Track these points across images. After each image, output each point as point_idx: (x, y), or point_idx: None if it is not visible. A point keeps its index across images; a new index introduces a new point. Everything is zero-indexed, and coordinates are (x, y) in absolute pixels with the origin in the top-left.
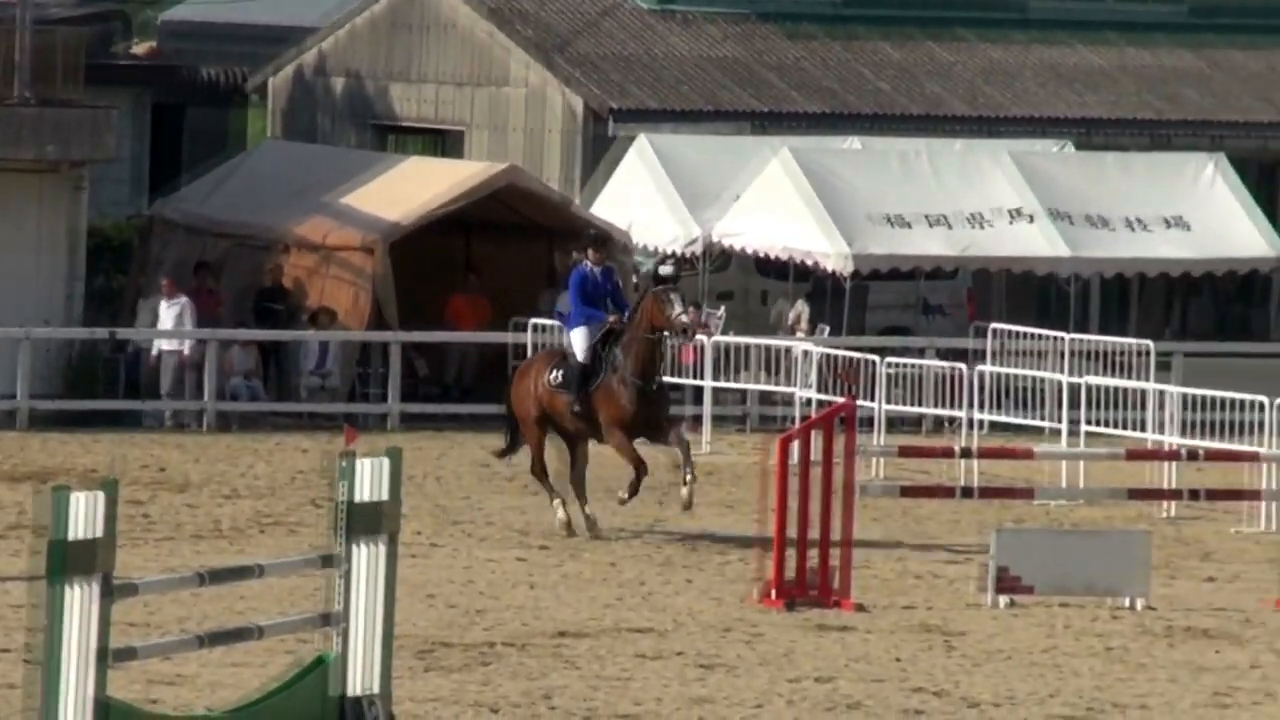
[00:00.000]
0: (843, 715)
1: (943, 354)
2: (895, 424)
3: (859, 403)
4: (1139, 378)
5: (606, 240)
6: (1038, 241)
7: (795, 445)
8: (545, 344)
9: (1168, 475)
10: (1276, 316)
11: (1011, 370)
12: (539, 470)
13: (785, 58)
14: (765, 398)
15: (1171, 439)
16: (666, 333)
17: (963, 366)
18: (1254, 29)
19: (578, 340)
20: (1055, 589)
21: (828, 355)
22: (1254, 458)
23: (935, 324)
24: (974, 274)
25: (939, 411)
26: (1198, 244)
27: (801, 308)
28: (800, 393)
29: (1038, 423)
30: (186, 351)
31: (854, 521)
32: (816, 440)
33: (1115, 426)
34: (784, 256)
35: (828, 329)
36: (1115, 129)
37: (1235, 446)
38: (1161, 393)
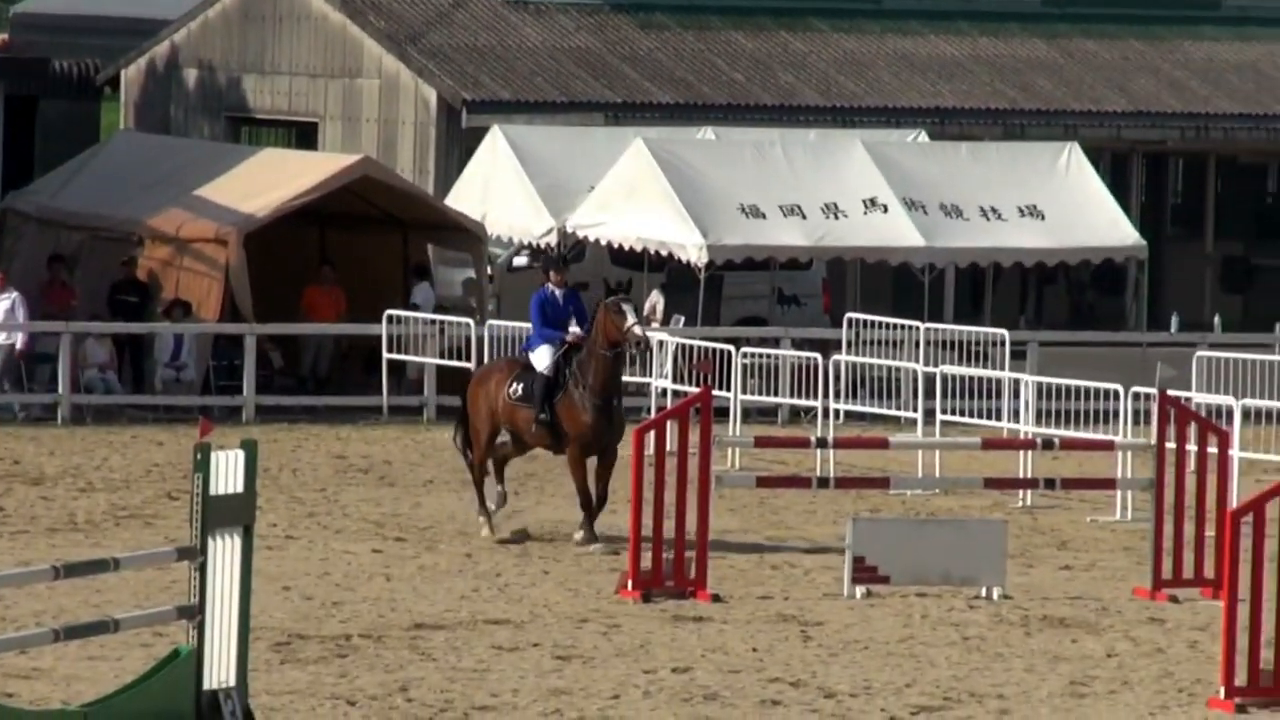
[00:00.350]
0: (699, 705)
1: (799, 344)
2: (751, 414)
3: (715, 393)
4: (994, 367)
5: (568, 262)
6: (893, 231)
7: (651, 436)
8: (402, 336)
9: (1024, 464)
10: (1131, 305)
11: (867, 360)
12: (478, 478)
13: (638, 48)
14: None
15: (1027, 428)
16: (623, 345)
17: (818, 356)
18: (1106, 18)
19: (540, 356)
20: (912, 578)
21: (683, 346)
22: (1109, 446)
23: (791, 314)
24: (829, 264)
25: (795, 402)
26: (1052, 233)
27: (657, 298)
28: (656, 383)
29: (894, 412)
30: (19, 345)
31: (710, 512)
32: (672, 431)
33: (971, 416)
34: (639, 247)
35: (683, 319)
36: (969, 118)
37: (1091, 435)
38: (1017, 382)
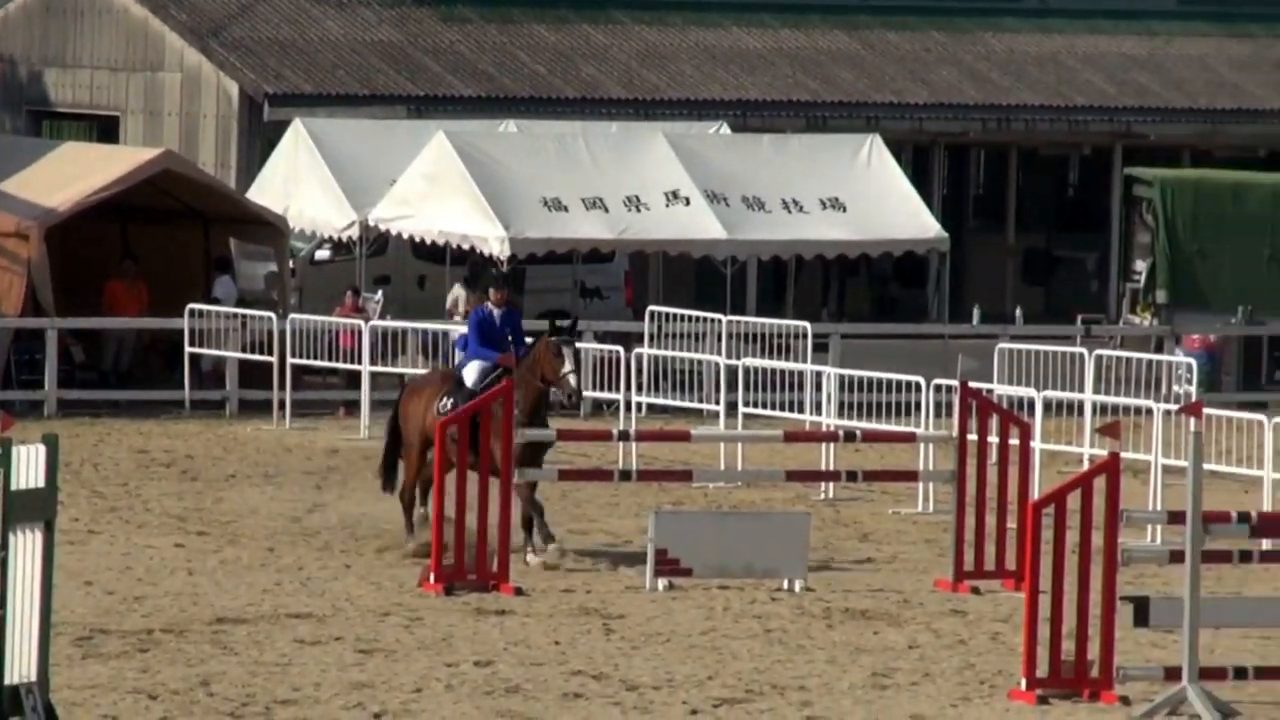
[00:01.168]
0: (501, 698)
1: (601, 337)
2: (554, 407)
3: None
4: (796, 359)
5: (509, 281)
6: (695, 223)
7: (452, 429)
8: (204, 330)
9: (826, 457)
10: (933, 297)
11: (669, 353)
12: (408, 500)
13: (441, 41)
14: None
15: (829, 420)
16: (553, 386)
17: (621, 349)
18: (907, 10)
19: (471, 372)
20: (714, 571)
21: None
22: (911, 438)
23: (593, 307)
24: (631, 256)
25: (597, 394)
26: (854, 225)
27: (459, 292)
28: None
29: (696, 405)
30: None
31: (512, 505)
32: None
33: (773, 408)
34: (441, 241)
35: None
36: (771, 111)
37: (892, 428)
38: (819, 374)
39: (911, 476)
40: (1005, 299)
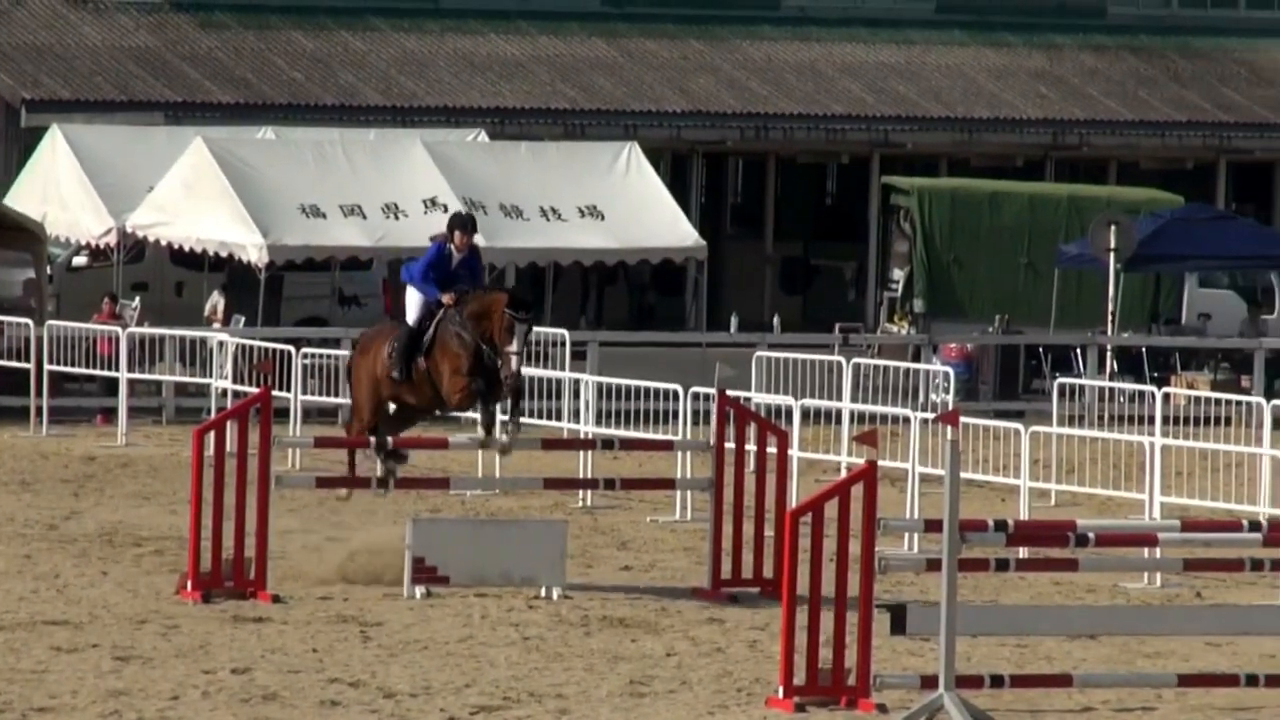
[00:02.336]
0: (259, 706)
1: None
2: (312, 415)
3: (275, 393)
4: (555, 367)
5: (473, 224)
6: None
7: (211, 436)
8: None
9: (584, 464)
10: (691, 305)
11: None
12: (376, 444)
13: (199, 48)
14: (182, 389)
15: (587, 428)
16: (491, 353)
17: None
18: (665, 18)
19: (412, 306)
20: (472, 578)
21: (244, 346)
22: (668, 446)
23: (351, 314)
24: (389, 264)
25: None
26: (612, 233)
27: (217, 299)
28: (216, 384)
29: (454, 412)
30: None
31: (270, 513)
32: (232, 432)
33: (532, 416)
34: (199, 248)
35: (244, 320)
36: (529, 118)
37: (650, 435)
38: (577, 382)
39: (669, 484)
40: (763, 307)
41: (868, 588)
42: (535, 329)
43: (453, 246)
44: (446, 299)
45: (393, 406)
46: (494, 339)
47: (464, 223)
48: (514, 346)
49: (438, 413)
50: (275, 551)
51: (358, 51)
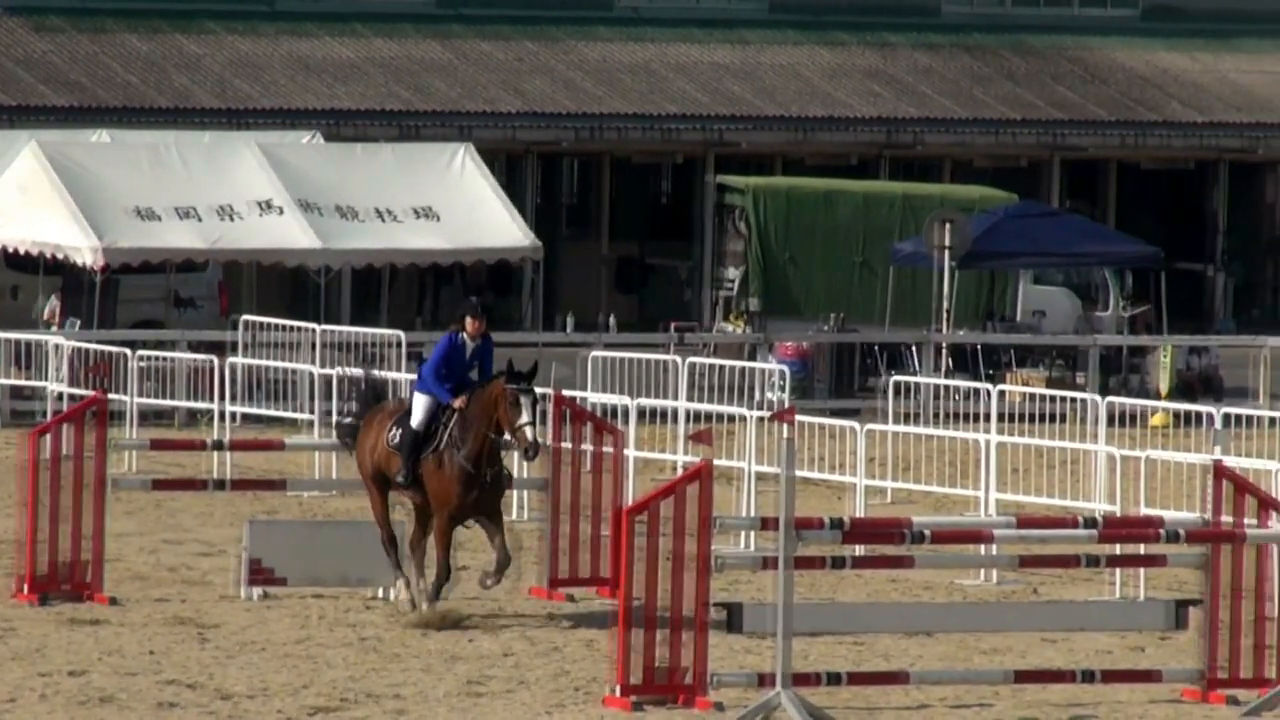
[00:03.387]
0: (95, 709)
1: (194, 346)
2: (148, 417)
3: (111, 396)
4: (390, 368)
5: (486, 310)
6: (288, 233)
7: (46, 439)
8: None
9: None
10: (526, 305)
11: (263, 362)
12: (386, 539)
13: (32, 51)
14: (16, 392)
15: None
16: (509, 440)
17: (214, 359)
18: (500, 19)
19: (418, 406)
20: (308, 579)
21: (79, 349)
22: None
23: (187, 316)
24: (225, 266)
25: (191, 404)
26: (447, 234)
27: (54, 302)
28: (52, 386)
29: (290, 414)
30: None
31: (105, 515)
32: (68, 434)
33: None
34: (34, 251)
35: (79, 323)
36: (364, 120)
37: None
38: (413, 384)
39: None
40: (598, 307)
41: (703, 586)
42: (370, 330)
43: (465, 335)
44: (457, 404)
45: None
46: (502, 426)
47: (475, 309)
48: (524, 418)
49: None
50: (111, 554)
51: (192, 54)
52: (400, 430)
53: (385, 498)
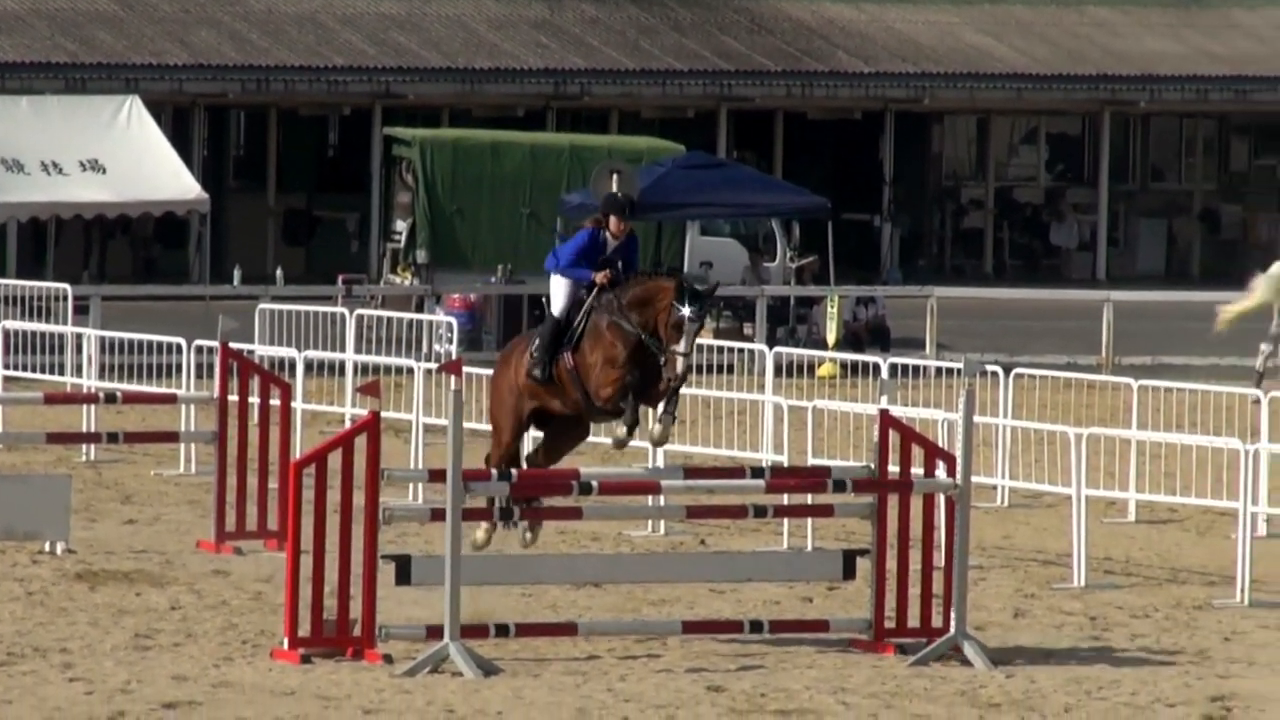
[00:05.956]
0: None
1: None
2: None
3: None
4: (57, 321)
5: (631, 207)
6: None
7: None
8: None
9: (87, 419)
10: (194, 258)
11: None
12: (503, 463)
13: None
14: None
15: (90, 382)
16: (655, 346)
17: None
18: None
19: (558, 293)
20: None
21: None
22: (172, 400)
23: None
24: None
25: None
26: (114, 187)
27: None
28: None
29: None
30: None
31: None
32: None
33: (34, 370)
34: None
35: None
36: (29, 72)
37: (154, 389)
38: (79, 336)
39: (173, 438)
40: (266, 260)
41: (372, 538)
42: (37, 283)
43: (607, 233)
44: (600, 277)
45: (529, 442)
46: (658, 333)
47: (620, 205)
48: (681, 347)
49: (587, 424)
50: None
51: None
52: (538, 339)
53: (519, 432)
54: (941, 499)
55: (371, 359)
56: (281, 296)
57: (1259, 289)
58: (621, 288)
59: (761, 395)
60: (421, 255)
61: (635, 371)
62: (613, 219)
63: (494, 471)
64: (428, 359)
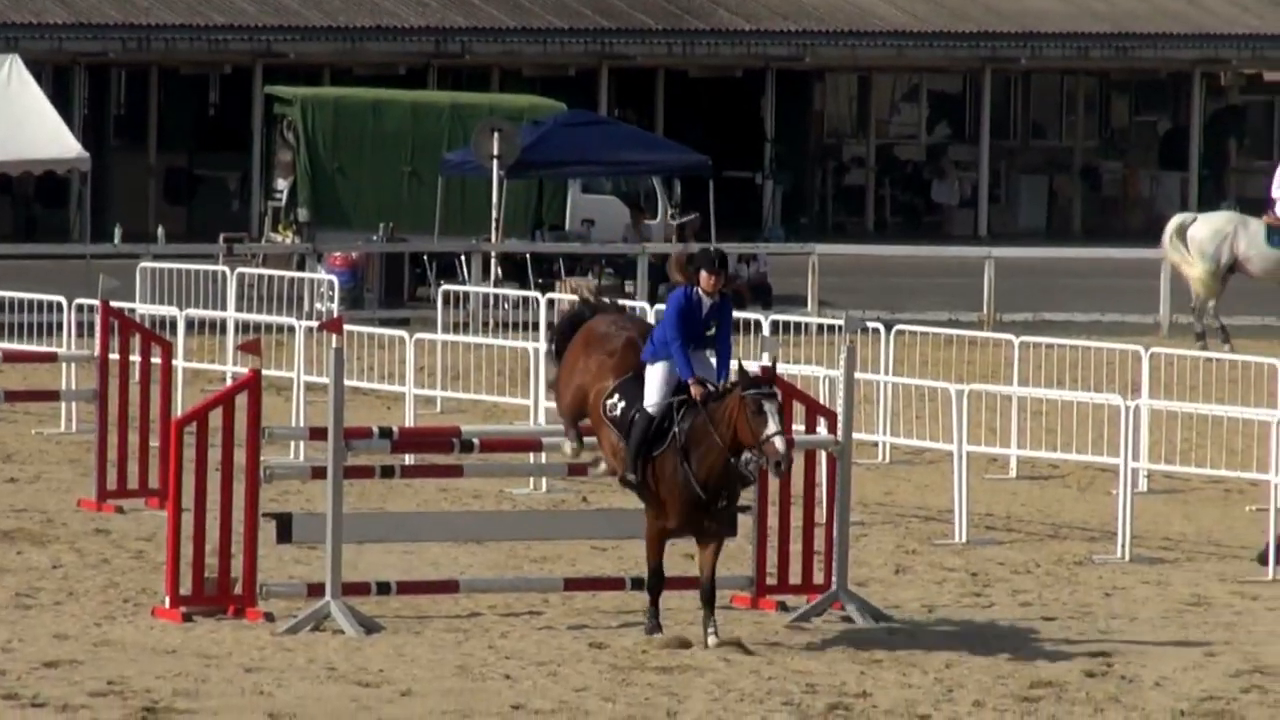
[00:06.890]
0: None
1: None
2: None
3: None
4: None
5: (725, 265)
6: None
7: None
8: None
9: None
10: (75, 217)
11: None
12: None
13: None
14: None
15: None
16: (747, 454)
17: None
18: None
19: (655, 379)
20: None
21: None
22: (53, 358)
23: None
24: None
25: None
26: None
27: None
28: None
29: None
30: None
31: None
32: None
33: None
34: None
35: None
36: None
37: (34, 348)
38: None
39: (54, 396)
40: (147, 218)
41: (253, 496)
42: None
43: (700, 290)
44: (695, 391)
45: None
46: (747, 439)
47: (711, 260)
48: (771, 427)
49: None
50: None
51: None
52: (624, 404)
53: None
54: (823, 455)
55: (253, 317)
56: (163, 255)
57: (1194, 262)
58: (710, 409)
59: None
60: (303, 214)
61: (682, 529)
62: (704, 274)
63: (375, 429)
64: (309, 317)
